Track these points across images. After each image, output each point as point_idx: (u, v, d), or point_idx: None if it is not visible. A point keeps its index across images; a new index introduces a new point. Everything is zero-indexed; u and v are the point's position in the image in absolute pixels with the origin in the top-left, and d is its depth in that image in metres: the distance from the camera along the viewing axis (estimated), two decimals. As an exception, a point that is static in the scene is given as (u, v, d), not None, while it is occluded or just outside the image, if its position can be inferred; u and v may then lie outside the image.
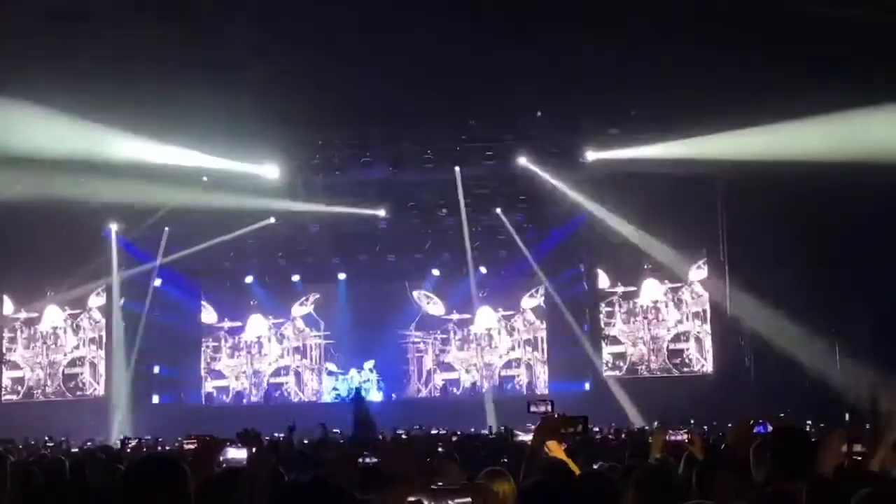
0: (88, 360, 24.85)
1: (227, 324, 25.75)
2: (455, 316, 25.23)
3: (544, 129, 20.92)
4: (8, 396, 24.76)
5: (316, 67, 17.36)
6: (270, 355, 25.59)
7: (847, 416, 16.19)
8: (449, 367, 25.19)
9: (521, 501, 3.40)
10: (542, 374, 24.67)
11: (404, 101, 18.56)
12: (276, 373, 25.50)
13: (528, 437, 6.38)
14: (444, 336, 25.29)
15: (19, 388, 24.87)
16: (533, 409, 4.80)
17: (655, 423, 13.71)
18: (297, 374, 25.47)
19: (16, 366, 24.98)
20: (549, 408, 4.73)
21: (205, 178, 21.17)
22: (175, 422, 19.75)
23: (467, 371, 25.04)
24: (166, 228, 23.61)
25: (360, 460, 5.01)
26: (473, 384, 24.77)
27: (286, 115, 18.49)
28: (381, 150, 21.12)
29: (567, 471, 4.68)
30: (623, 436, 12.97)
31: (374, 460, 4.99)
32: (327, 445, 10.69)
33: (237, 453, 4.55)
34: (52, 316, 24.99)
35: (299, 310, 25.58)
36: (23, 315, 25.00)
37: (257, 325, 25.72)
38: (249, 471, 4.21)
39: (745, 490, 4.50)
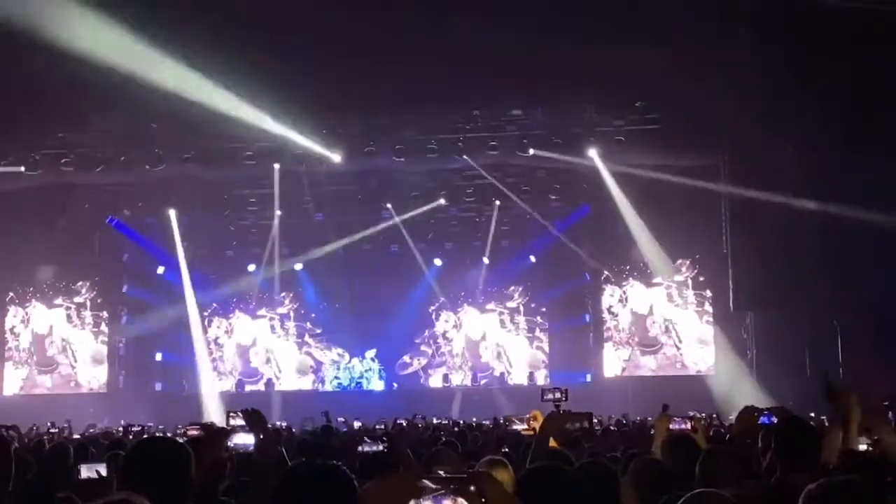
0: (91, 348, 24.84)
1: (228, 315, 25.71)
2: (456, 306, 25.16)
3: (548, 121, 20.82)
4: (9, 388, 24.67)
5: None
6: (274, 342, 25.54)
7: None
8: (449, 358, 25.12)
9: (522, 488, 3.37)
10: (543, 366, 24.62)
11: (406, 89, 18.48)
12: (281, 361, 25.44)
13: (521, 427, 6.40)
14: (446, 326, 25.22)
15: (21, 379, 24.81)
16: (547, 396, 4.81)
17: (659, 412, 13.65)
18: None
19: (17, 358, 24.96)
20: (564, 396, 4.74)
21: None
22: (177, 410, 19.77)
23: (468, 362, 24.96)
24: (173, 211, 23.65)
25: (360, 448, 4.99)
26: (475, 375, 24.72)
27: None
28: (384, 139, 21.03)
29: (569, 460, 4.67)
30: (624, 426, 12.91)
31: (375, 449, 4.98)
32: (330, 434, 10.65)
33: (244, 439, 4.52)
34: (55, 302, 24.98)
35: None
36: (23, 307, 24.97)
37: (260, 312, 25.69)
38: (257, 457, 4.20)
39: (747, 479, 4.49)
